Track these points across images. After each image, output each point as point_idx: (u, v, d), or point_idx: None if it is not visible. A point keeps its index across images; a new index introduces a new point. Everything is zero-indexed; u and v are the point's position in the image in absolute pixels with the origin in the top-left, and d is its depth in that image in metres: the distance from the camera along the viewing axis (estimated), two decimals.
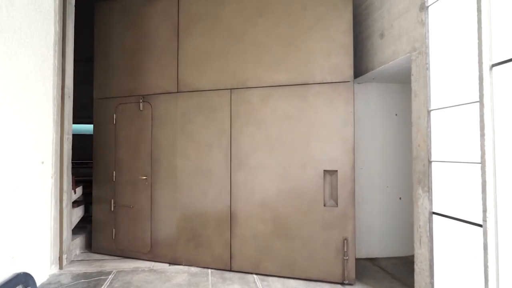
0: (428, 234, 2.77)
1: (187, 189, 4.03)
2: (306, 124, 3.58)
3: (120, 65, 4.49)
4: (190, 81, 4.05)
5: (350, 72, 3.48)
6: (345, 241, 3.44)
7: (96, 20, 4.70)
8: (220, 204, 3.87)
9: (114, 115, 4.49)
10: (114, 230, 4.43)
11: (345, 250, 3.44)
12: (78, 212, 4.61)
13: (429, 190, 2.77)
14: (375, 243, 4.34)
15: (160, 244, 4.18)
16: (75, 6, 4.40)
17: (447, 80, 2.66)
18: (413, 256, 4.30)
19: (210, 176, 3.92)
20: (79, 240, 4.58)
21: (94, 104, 4.70)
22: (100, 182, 4.57)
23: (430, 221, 2.77)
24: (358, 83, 4.32)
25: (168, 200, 4.15)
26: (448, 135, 2.65)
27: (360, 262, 4.17)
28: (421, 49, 2.87)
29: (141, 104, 4.33)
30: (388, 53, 3.39)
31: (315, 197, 3.55)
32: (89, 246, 4.81)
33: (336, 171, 3.49)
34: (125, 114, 4.42)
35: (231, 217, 3.83)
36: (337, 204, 3.48)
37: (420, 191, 2.88)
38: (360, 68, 3.98)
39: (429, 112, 2.79)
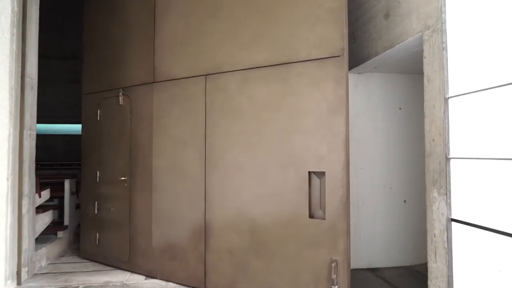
0: (446, 245, 2.33)
1: (162, 192, 3.55)
2: (287, 113, 2.90)
3: (105, 57, 4.12)
4: (165, 69, 3.55)
5: (340, 43, 2.66)
6: (334, 264, 2.63)
7: (85, 13, 4.40)
8: (194, 210, 3.32)
9: (98, 110, 4.16)
10: (98, 234, 4.08)
11: (334, 276, 2.62)
12: (45, 218, 4.09)
13: (446, 193, 2.33)
14: (377, 251, 3.90)
15: (138, 253, 3.71)
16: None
17: (468, 61, 2.23)
18: (420, 265, 3.87)
19: (184, 177, 3.39)
20: (46, 250, 4.06)
21: (82, 100, 4.41)
22: (86, 183, 4.29)
23: (449, 229, 2.32)
24: (359, 73, 3.88)
25: (144, 203, 3.69)
26: (470, 127, 2.21)
27: (361, 273, 3.73)
28: (436, 26, 2.43)
29: (120, 97, 3.91)
30: (394, 35, 2.95)
31: (298, 206, 2.82)
32: (60, 256, 4.31)
33: (324, 173, 2.73)
34: (108, 109, 4.07)
35: (206, 226, 3.26)
36: (325, 215, 2.72)
37: (436, 194, 2.43)
38: (360, 55, 3.55)
39: (446, 99, 2.35)
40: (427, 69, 2.53)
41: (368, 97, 3.92)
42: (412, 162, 3.95)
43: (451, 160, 2.33)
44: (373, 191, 3.90)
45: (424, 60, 2.56)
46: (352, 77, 3.86)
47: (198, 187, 3.30)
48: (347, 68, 2.69)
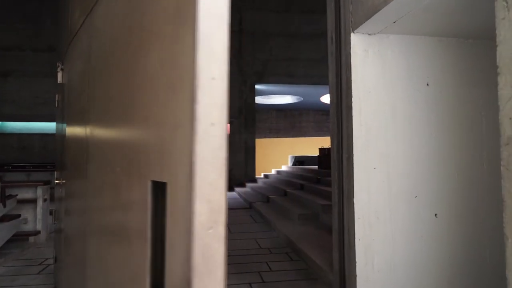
0: None
1: (68, 199, 2.49)
2: (130, 54, 1.02)
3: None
4: (74, 19, 2.31)
5: None
6: None
7: None
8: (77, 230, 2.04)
9: (57, 95, 3.24)
10: (54, 251, 3.33)
11: None
12: None
13: None
14: (399, 284, 2.77)
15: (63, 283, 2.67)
16: None
17: None
18: None
19: (77, 177, 2.10)
20: None
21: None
22: (56, 187, 3.57)
23: None
24: (369, 34, 2.77)
25: (75, 215, 2.66)
26: None
27: None
28: None
29: (59, 74, 2.88)
30: None
31: (138, 264, 0.83)
32: None
33: (165, 184, 0.70)
34: (61, 92, 3.21)
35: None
36: None
37: None
38: (373, 2, 2.43)
39: None
40: None
41: (383, 68, 2.80)
42: (445, 158, 2.83)
43: None
44: (391, 201, 2.78)
45: None
46: (360, 39, 2.74)
47: (81, 191, 1.90)
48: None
